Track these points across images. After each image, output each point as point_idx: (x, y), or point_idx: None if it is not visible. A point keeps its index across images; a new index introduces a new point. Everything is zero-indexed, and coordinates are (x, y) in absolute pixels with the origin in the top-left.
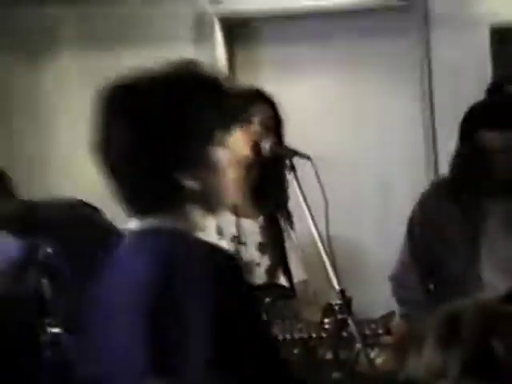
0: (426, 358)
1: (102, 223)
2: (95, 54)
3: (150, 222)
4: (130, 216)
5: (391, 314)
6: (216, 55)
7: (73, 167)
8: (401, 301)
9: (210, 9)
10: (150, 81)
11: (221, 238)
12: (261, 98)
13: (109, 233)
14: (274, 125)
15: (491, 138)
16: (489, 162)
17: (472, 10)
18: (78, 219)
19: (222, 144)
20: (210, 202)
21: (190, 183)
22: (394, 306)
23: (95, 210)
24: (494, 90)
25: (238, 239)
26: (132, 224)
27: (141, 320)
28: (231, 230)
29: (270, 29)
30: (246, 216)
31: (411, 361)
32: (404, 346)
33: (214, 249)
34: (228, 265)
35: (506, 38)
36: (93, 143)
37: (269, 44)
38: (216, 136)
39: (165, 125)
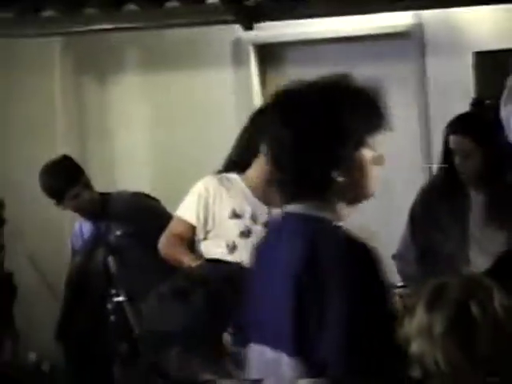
0: (416, 319)
1: (159, 210)
2: (151, 75)
3: (304, 207)
4: (286, 201)
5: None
6: (251, 77)
7: (134, 167)
8: (402, 274)
9: (245, 36)
10: (313, 91)
11: (253, 224)
12: None
13: (165, 217)
14: None
15: (453, 141)
16: (454, 162)
17: (459, 38)
18: (142, 207)
19: (367, 146)
20: (354, 196)
21: (341, 179)
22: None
23: (154, 199)
24: (475, 104)
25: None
26: (289, 208)
27: (290, 292)
28: (264, 218)
29: (294, 52)
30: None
31: (406, 322)
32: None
33: (355, 239)
34: (367, 254)
35: (486, 62)
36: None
37: (294, 66)
38: (364, 139)
39: (325, 128)
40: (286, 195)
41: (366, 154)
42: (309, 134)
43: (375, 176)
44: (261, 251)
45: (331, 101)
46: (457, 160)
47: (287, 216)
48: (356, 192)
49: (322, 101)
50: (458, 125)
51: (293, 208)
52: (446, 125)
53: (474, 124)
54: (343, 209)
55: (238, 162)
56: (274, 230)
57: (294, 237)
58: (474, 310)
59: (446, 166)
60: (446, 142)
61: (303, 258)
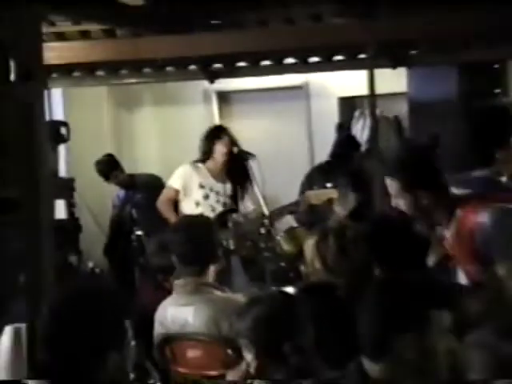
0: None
1: (161, 184)
2: (158, 108)
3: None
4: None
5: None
6: (213, 111)
7: (148, 164)
8: None
9: (210, 87)
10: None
11: (210, 192)
12: (224, 130)
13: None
14: (233, 142)
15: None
16: None
17: (329, 89)
18: (152, 181)
19: None
20: None
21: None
22: None
23: (159, 178)
24: (339, 127)
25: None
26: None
27: None
28: (216, 188)
29: (239, 95)
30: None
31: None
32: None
33: None
34: None
35: (348, 106)
36: None
37: (239, 104)
38: None
39: None
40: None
41: None
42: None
43: None
44: None
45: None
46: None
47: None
48: None
49: None
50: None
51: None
52: None
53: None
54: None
55: (202, 158)
56: None
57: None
58: (331, 237)
59: None
60: None
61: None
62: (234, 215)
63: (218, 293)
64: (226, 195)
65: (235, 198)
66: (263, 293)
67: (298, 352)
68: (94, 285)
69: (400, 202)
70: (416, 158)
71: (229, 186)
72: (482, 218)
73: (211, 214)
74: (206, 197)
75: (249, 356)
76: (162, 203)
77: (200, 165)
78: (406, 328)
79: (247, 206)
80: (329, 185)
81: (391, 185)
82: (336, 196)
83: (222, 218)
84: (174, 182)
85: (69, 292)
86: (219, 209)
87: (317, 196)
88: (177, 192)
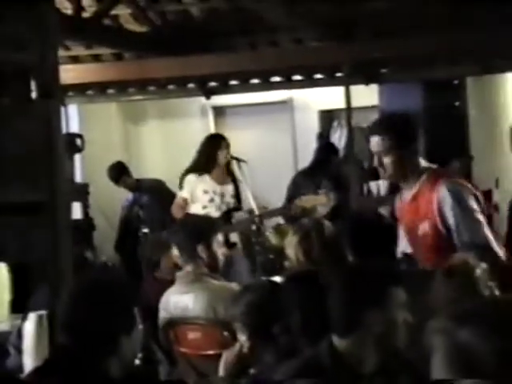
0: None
1: (165, 188)
2: (162, 121)
3: None
4: None
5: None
6: (209, 124)
7: (153, 171)
8: None
9: (207, 102)
10: None
11: (214, 195)
12: (224, 139)
13: (168, 192)
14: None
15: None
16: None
17: (311, 103)
18: (157, 186)
19: None
20: None
21: None
22: None
23: (162, 182)
24: (319, 137)
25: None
26: None
27: None
28: (219, 191)
29: (233, 110)
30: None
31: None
32: None
33: None
34: None
35: (328, 118)
36: None
37: (233, 117)
38: None
39: None
40: None
41: None
42: None
43: None
44: None
45: None
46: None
47: None
48: None
49: None
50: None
51: None
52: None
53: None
54: None
55: (205, 164)
56: None
57: None
58: (313, 233)
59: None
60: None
61: None
62: (238, 213)
63: (215, 281)
64: (228, 195)
65: (238, 196)
66: (254, 282)
67: (285, 333)
68: (107, 276)
69: (386, 161)
70: (405, 119)
71: (230, 187)
72: (442, 187)
73: (217, 214)
74: (212, 200)
75: (242, 337)
76: (174, 210)
77: (203, 173)
78: (368, 306)
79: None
80: (320, 191)
81: (379, 143)
82: (325, 201)
83: (227, 216)
84: (183, 192)
85: (85, 283)
86: (224, 208)
87: (308, 201)
88: (185, 200)
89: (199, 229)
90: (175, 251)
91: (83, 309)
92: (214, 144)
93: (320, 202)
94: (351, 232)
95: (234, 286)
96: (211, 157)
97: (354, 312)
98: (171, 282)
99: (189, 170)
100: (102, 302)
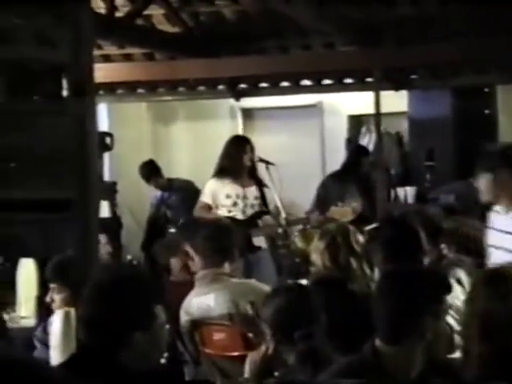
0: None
1: (194, 188)
2: (191, 123)
3: None
4: None
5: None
6: (239, 125)
7: (182, 170)
8: None
9: (236, 104)
10: None
11: (237, 199)
12: (248, 141)
13: (196, 192)
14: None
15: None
16: None
17: (340, 108)
18: (186, 186)
19: None
20: None
21: None
22: None
23: (192, 183)
24: (348, 141)
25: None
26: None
27: None
28: (241, 194)
29: (262, 112)
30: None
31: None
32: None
33: None
34: None
35: (356, 123)
36: None
37: (261, 120)
38: None
39: None
40: None
41: None
42: None
43: None
44: None
45: None
46: None
47: None
48: None
49: None
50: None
51: None
52: None
53: None
54: None
55: (229, 166)
56: None
57: None
58: (339, 239)
59: None
60: None
61: None
62: (265, 216)
63: (234, 279)
64: (252, 198)
65: (263, 199)
66: (282, 284)
67: (309, 338)
68: (127, 273)
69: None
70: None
71: (254, 190)
72: None
73: (242, 217)
74: (235, 204)
75: (269, 340)
76: (197, 212)
77: (225, 177)
78: (422, 313)
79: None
80: (346, 201)
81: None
82: (350, 214)
83: (253, 220)
84: (204, 197)
85: (103, 278)
86: (249, 211)
87: (339, 212)
88: (207, 205)
89: (221, 238)
90: (190, 253)
91: (99, 303)
92: (238, 147)
93: (345, 215)
94: (380, 237)
95: (253, 281)
96: (236, 160)
97: (408, 319)
98: (185, 285)
99: (214, 174)
100: (118, 296)
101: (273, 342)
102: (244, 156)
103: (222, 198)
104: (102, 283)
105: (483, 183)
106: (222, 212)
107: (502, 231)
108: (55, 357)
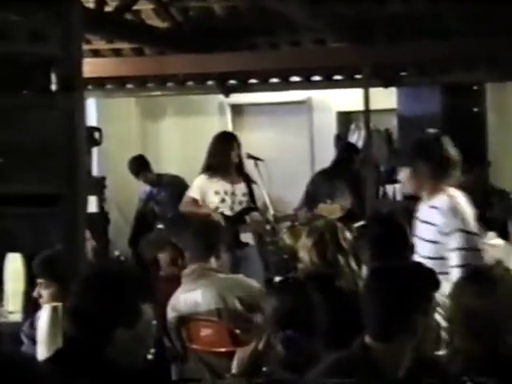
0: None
1: (183, 184)
2: (180, 118)
3: None
4: None
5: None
6: (228, 122)
7: (171, 165)
8: None
9: (225, 100)
10: None
11: (225, 195)
12: (236, 137)
13: (185, 188)
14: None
15: None
16: None
17: (329, 104)
18: (175, 182)
19: None
20: None
21: None
22: None
23: (181, 178)
24: (336, 138)
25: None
26: None
27: None
28: (230, 190)
29: (251, 108)
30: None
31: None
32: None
33: None
34: None
35: (345, 120)
36: None
37: (250, 116)
38: None
39: None
40: None
41: None
42: None
43: None
44: None
45: None
46: None
47: None
48: None
49: None
50: None
51: None
52: None
53: None
54: None
55: (216, 163)
56: None
57: None
58: (327, 236)
59: None
60: None
61: None
62: (253, 213)
63: (221, 275)
64: (240, 194)
65: (251, 196)
66: (275, 281)
67: (302, 332)
68: (114, 268)
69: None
70: None
71: (242, 186)
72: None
73: (230, 213)
74: (223, 201)
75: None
76: (183, 207)
77: (213, 174)
78: (410, 309)
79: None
80: (335, 199)
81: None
82: (338, 211)
83: (241, 217)
84: (191, 192)
85: (90, 273)
86: (237, 207)
87: (327, 209)
88: (194, 200)
89: (208, 234)
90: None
91: (86, 298)
92: (224, 144)
93: (333, 212)
94: (367, 235)
95: (241, 277)
96: (223, 157)
97: (398, 317)
98: (173, 280)
99: (202, 171)
100: (105, 292)
101: (267, 337)
102: (231, 153)
103: (211, 194)
104: (89, 278)
105: (403, 176)
106: (210, 209)
107: (422, 221)
108: (41, 351)
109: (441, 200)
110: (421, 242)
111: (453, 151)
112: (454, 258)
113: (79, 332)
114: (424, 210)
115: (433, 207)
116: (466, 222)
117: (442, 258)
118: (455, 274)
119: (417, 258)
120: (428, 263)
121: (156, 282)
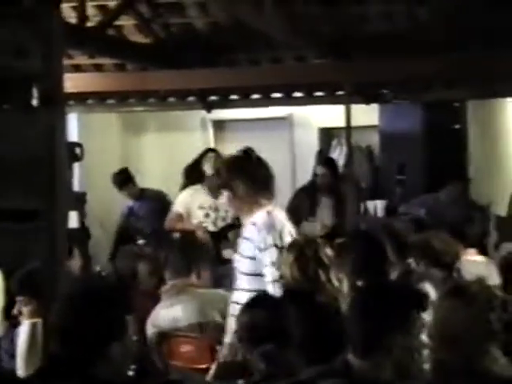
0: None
1: (165, 200)
2: (161, 133)
3: None
4: None
5: None
6: (209, 136)
7: (152, 179)
8: None
9: (207, 115)
10: None
11: (210, 210)
12: (212, 151)
13: (168, 203)
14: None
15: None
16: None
17: (311, 120)
18: (160, 197)
19: None
20: None
21: None
22: None
23: (163, 193)
24: (319, 152)
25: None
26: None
27: None
28: (214, 205)
29: (232, 124)
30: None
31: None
32: None
33: None
34: None
35: (327, 136)
36: None
37: (232, 132)
38: None
39: None
40: None
41: None
42: None
43: None
44: None
45: None
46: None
47: None
48: None
49: None
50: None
51: None
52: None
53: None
54: None
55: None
56: None
57: None
58: (308, 251)
59: None
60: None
61: None
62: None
63: (201, 290)
64: (223, 210)
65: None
66: (252, 297)
67: (281, 347)
68: (98, 284)
69: None
70: None
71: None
72: None
73: (213, 229)
74: (207, 215)
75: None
76: (168, 223)
77: (198, 188)
78: (392, 328)
79: None
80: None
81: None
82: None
83: (223, 233)
84: (176, 206)
85: (75, 290)
86: (220, 223)
87: (308, 227)
88: (180, 215)
89: (189, 251)
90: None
91: (72, 315)
92: (202, 158)
93: (314, 230)
94: (351, 249)
95: (221, 291)
96: (198, 170)
97: (378, 334)
98: (153, 294)
99: (183, 186)
100: (91, 308)
101: (243, 353)
102: (206, 167)
103: (195, 208)
104: (74, 293)
105: (225, 199)
106: (194, 224)
107: (243, 238)
108: (21, 367)
109: (259, 216)
110: (241, 258)
111: (265, 166)
112: (269, 274)
113: (64, 349)
114: (246, 227)
115: (252, 224)
116: (282, 237)
117: (259, 275)
118: (271, 289)
119: (237, 274)
120: (246, 279)
121: (135, 296)
